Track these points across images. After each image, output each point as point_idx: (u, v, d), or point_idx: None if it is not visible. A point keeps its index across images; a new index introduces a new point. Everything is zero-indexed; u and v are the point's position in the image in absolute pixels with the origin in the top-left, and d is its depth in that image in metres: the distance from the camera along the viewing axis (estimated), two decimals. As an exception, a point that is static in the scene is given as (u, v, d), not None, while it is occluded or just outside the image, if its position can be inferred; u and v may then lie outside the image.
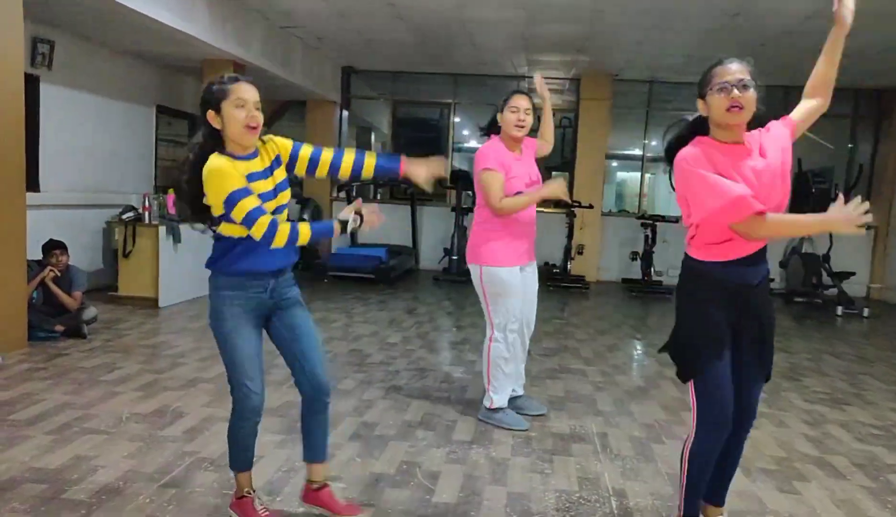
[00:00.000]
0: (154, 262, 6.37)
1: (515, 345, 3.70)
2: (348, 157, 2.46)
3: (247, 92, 2.22)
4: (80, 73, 6.88)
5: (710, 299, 2.22)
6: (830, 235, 8.69)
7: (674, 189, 2.25)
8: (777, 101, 10.18)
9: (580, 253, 9.65)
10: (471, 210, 10.19)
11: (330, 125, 10.49)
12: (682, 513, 2.37)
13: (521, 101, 3.50)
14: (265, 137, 2.36)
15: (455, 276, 9.35)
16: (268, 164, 2.32)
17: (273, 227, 2.17)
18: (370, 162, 2.47)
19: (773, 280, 9.13)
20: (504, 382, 3.67)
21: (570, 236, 9.42)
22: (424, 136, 12.42)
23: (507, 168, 3.49)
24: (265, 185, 2.27)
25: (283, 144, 2.40)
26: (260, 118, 2.24)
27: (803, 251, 8.97)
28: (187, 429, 3.39)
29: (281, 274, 2.40)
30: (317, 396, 2.45)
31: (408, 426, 3.61)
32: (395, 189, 10.81)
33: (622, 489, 2.97)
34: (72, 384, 4.00)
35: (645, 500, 2.86)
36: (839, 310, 8.04)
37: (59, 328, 5.03)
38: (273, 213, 2.26)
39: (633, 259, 9.53)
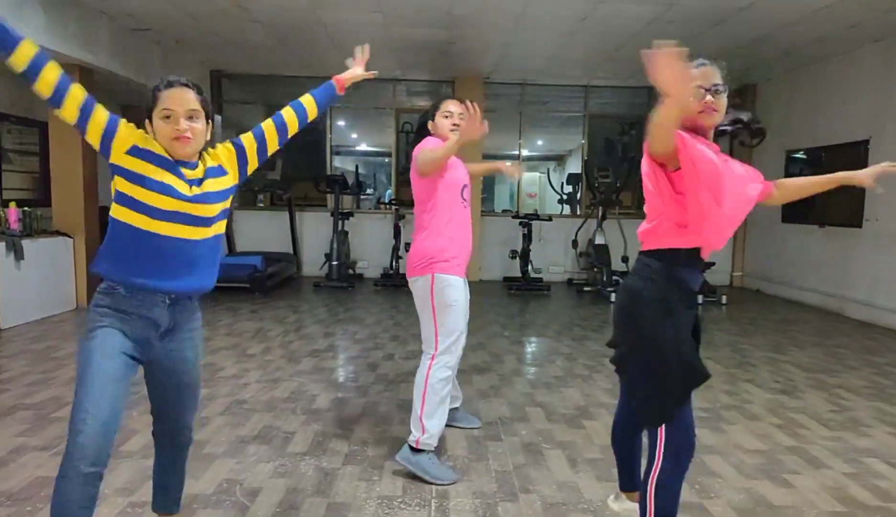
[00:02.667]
0: (-9, 282, 5.90)
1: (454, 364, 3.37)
2: (289, 113, 2.37)
3: (175, 100, 1.95)
4: None
5: (682, 309, 2.13)
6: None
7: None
8: (643, 102, 10.71)
9: (460, 253, 9.73)
10: (350, 215, 10.15)
11: (200, 131, 10.07)
12: None
13: (454, 107, 3.39)
14: (209, 151, 2.14)
15: (336, 282, 9.25)
16: (200, 175, 2.05)
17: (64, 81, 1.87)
18: (309, 101, 2.43)
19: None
20: (439, 408, 3.17)
21: (449, 237, 9.47)
22: (305, 140, 12.19)
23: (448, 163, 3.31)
24: (178, 183, 1.98)
25: (222, 151, 2.18)
26: (193, 129, 1.98)
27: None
28: (-11, 463, 3.13)
29: (180, 299, 2.16)
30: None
31: (241, 441, 3.48)
32: (273, 195, 10.54)
33: (445, 491, 2.97)
34: None
35: (466, 500, 2.87)
36: (700, 299, 8.47)
37: None
38: (188, 221, 2.00)
39: (513, 257, 9.72)
